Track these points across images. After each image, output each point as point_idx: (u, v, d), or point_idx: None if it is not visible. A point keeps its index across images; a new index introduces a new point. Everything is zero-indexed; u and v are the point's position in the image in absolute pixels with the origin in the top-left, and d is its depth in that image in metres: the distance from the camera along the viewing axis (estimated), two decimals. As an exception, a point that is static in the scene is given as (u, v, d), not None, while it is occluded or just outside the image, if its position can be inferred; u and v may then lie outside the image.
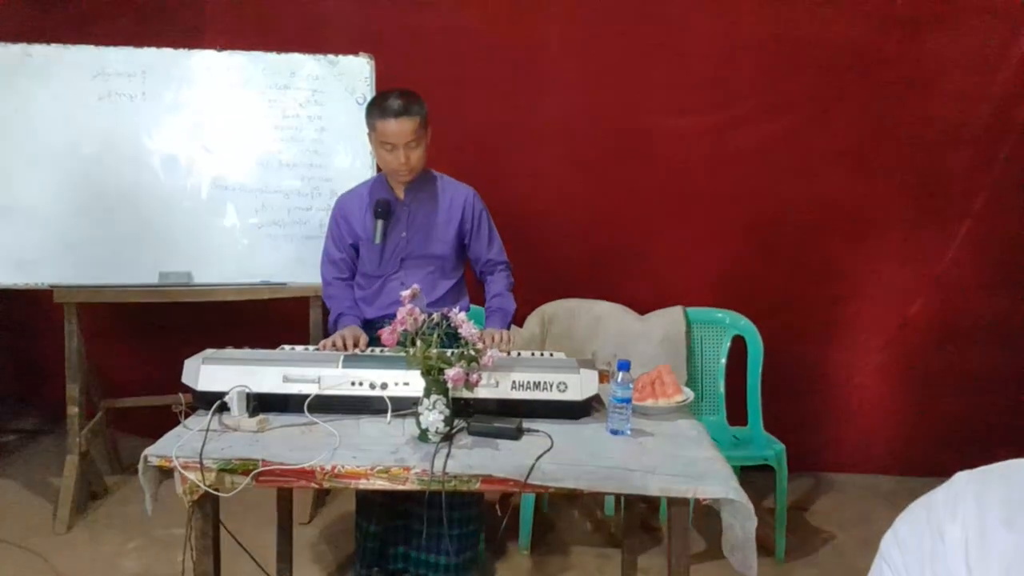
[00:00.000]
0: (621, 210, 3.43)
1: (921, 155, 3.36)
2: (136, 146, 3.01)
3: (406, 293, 1.82)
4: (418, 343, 1.78)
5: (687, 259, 3.44)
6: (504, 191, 3.02)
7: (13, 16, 3.40)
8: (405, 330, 1.78)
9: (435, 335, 1.81)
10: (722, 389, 3.19)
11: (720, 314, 3.23)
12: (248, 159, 3.08)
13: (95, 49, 2.94)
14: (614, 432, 1.87)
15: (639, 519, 3.03)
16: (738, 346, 3.19)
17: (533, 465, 1.67)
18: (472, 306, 2.70)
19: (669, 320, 3.16)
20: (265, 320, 3.34)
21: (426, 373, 1.79)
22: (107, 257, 3.02)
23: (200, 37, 3.16)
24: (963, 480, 0.76)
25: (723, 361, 3.21)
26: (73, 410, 3.09)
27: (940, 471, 3.09)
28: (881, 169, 3.38)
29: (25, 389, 4.27)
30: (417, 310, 1.80)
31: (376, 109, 2.33)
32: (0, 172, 2.93)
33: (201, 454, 1.73)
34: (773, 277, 3.44)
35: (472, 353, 1.82)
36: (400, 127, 2.29)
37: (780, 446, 2.88)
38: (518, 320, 3.07)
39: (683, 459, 1.75)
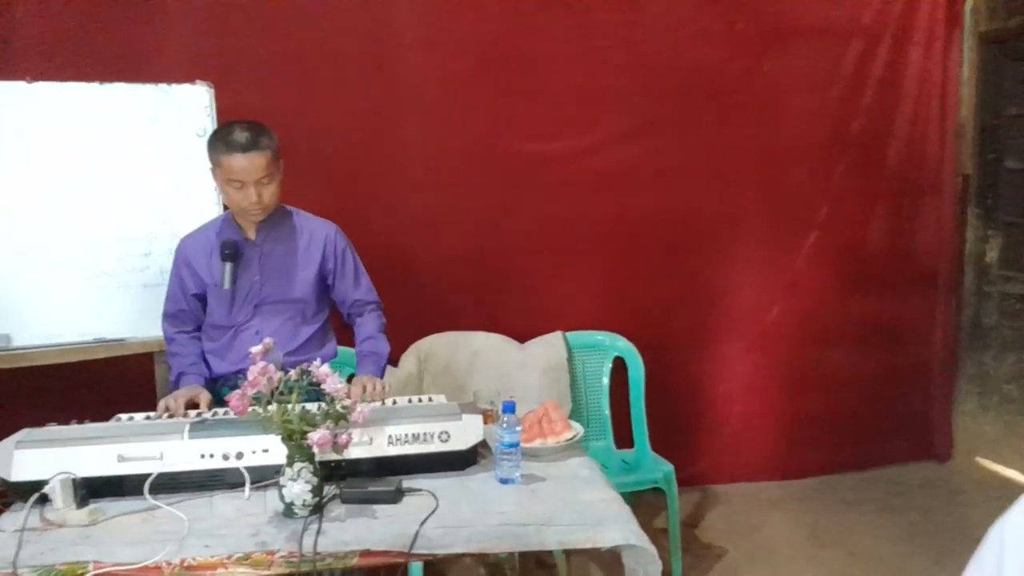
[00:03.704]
0: (492, 237, 3.30)
1: (768, 170, 3.48)
2: (-69, 194, 2.60)
3: (257, 349, 1.59)
4: (274, 406, 1.57)
5: (563, 283, 3.36)
6: (367, 224, 2.83)
7: None
8: (259, 392, 1.56)
9: (294, 393, 1.60)
10: (607, 413, 3.13)
11: (600, 336, 3.17)
12: (71, 202, 2.71)
13: None
14: (503, 481, 1.73)
15: (534, 558, 2.90)
16: (619, 367, 3.14)
17: (417, 533, 1.49)
18: (341, 348, 2.49)
19: (549, 347, 3.07)
20: (104, 383, 2.97)
21: (287, 439, 1.57)
22: (-100, 324, 2.58)
23: (6, 67, 2.78)
24: None
25: (606, 382, 3.15)
26: None
27: (818, 471, 3.17)
28: (735, 185, 3.47)
29: None
30: (271, 368, 1.58)
31: (220, 143, 2.09)
32: None
33: (15, 562, 1.44)
34: (644, 294, 3.44)
35: (339, 410, 1.62)
36: (249, 163, 2.07)
37: (668, 467, 2.83)
38: (393, 359, 2.88)
39: (578, 504, 1.63)
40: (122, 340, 2.77)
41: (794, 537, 3.14)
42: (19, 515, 1.60)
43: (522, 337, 3.16)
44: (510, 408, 1.72)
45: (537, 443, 1.88)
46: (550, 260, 3.35)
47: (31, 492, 1.62)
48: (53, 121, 2.68)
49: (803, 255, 3.58)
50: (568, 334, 3.14)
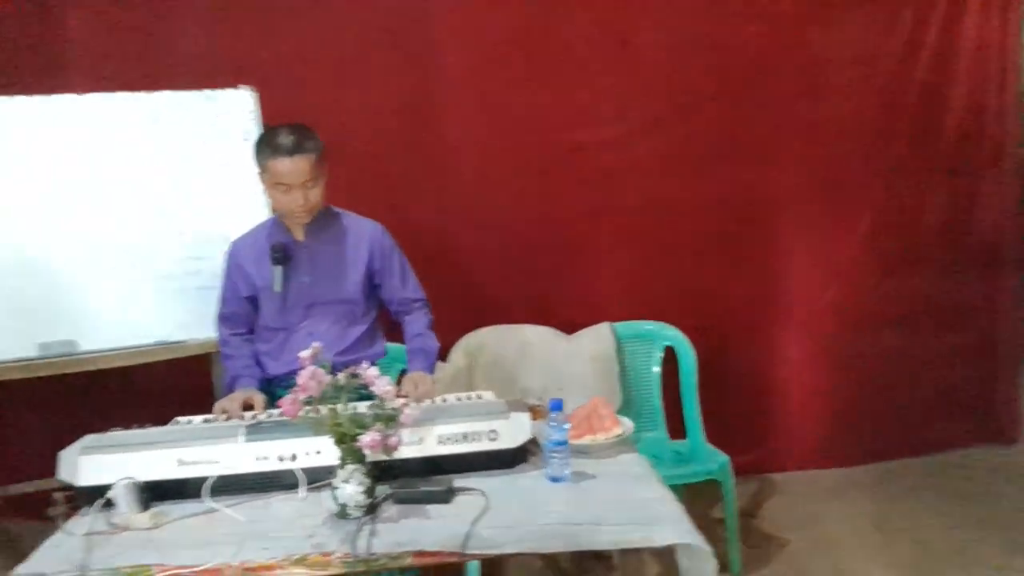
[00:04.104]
0: (538, 228, 3.29)
1: (817, 149, 3.37)
2: (-5, 206, 2.70)
3: (305, 354, 1.62)
4: (324, 410, 1.59)
5: (610, 273, 3.33)
6: (412, 220, 2.85)
7: None
8: (310, 396, 1.59)
9: (342, 396, 1.62)
10: (658, 403, 3.09)
11: (648, 326, 3.13)
12: (126, 210, 2.79)
13: (-65, 103, 2.62)
14: (554, 479, 1.72)
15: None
16: (670, 357, 3.10)
17: (469, 533, 1.50)
18: (390, 345, 2.51)
19: (597, 338, 3.05)
20: (166, 383, 3.06)
21: (339, 442, 1.60)
22: (-24, 333, 2.69)
23: (57, 80, 2.86)
24: None
25: (655, 371, 3.11)
26: (-48, 506, 2.76)
27: (879, 457, 3.07)
28: (782, 166, 3.37)
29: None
30: (321, 371, 1.60)
31: (266, 148, 2.13)
32: None
33: (85, 566, 1.49)
34: (693, 282, 3.38)
35: (389, 411, 1.63)
36: (295, 166, 2.10)
37: (724, 458, 2.79)
38: (442, 353, 2.90)
39: (630, 503, 1.61)
40: (180, 342, 2.85)
41: (857, 526, 3.06)
42: (87, 519, 1.66)
43: (570, 328, 3.14)
44: (558, 406, 1.71)
45: (587, 440, 1.87)
46: (597, 250, 3.32)
47: (97, 496, 1.68)
48: (103, 131, 2.77)
49: (857, 235, 3.46)
50: (616, 324, 3.11)
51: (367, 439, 1.55)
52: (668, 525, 1.52)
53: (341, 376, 1.63)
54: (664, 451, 2.97)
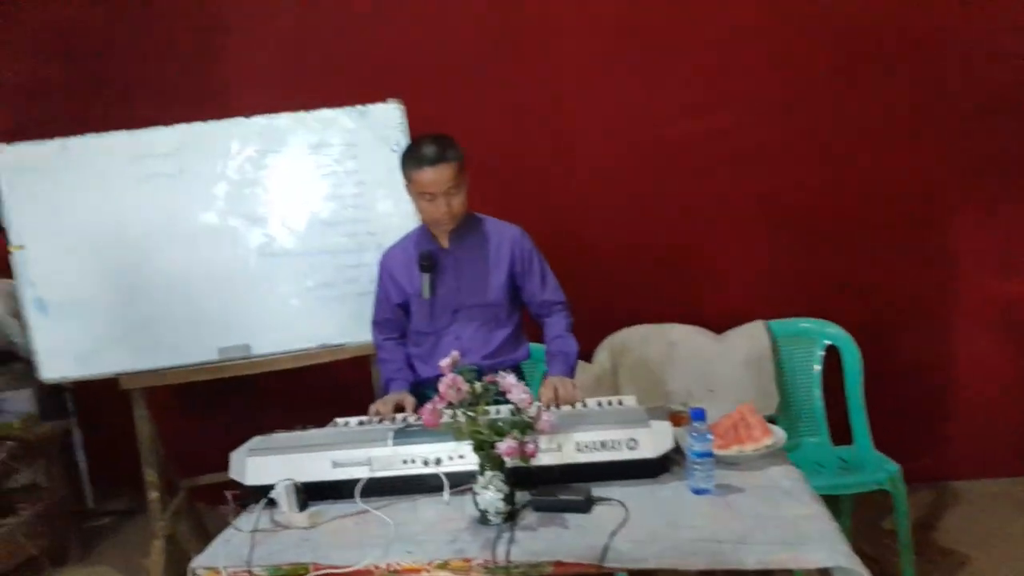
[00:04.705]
0: (681, 224, 3.21)
1: (983, 123, 3.06)
2: (180, 224, 2.97)
3: (446, 362, 1.66)
4: (461, 416, 1.62)
5: (761, 268, 3.18)
6: (553, 223, 2.85)
7: (44, 113, 3.44)
8: (449, 404, 1.63)
9: (480, 405, 1.64)
10: (820, 406, 2.91)
11: (806, 324, 2.95)
12: (291, 223, 3.00)
13: (128, 133, 2.91)
14: (697, 491, 1.66)
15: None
16: (831, 357, 2.91)
17: (607, 546, 1.48)
18: (533, 345, 2.53)
19: (750, 337, 2.91)
20: (328, 382, 3.25)
21: (478, 448, 1.62)
22: (165, 339, 2.98)
23: (226, 106, 3.10)
24: None
25: (816, 371, 2.93)
26: (153, 495, 3.07)
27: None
28: (944, 144, 3.10)
29: (116, 469, 4.31)
30: (460, 379, 1.63)
31: (410, 159, 2.22)
32: (50, 269, 2.92)
33: (249, 562, 1.61)
34: (854, 274, 3.17)
35: (526, 419, 1.64)
36: (438, 175, 2.17)
37: (894, 467, 2.58)
38: (586, 353, 2.88)
39: (779, 520, 1.52)
40: (341, 345, 3.02)
41: (1053, 543, 2.75)
42: (253, 516, 1.79)
43: (720, 327, 3.02)
44: (699, 415, 1.64)
45: (734, 450, 1.78)
46: (746, 245, 3.19)
47: (262, 494, 1.80)
48: (269, 149, 2.98)
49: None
50: (771, 322, 2.95)
51: (504, 446, 1.57)
52: (820, 545, 1.42)
53: (479, 384, 1.65)
54: (827, 458, 2.79)
